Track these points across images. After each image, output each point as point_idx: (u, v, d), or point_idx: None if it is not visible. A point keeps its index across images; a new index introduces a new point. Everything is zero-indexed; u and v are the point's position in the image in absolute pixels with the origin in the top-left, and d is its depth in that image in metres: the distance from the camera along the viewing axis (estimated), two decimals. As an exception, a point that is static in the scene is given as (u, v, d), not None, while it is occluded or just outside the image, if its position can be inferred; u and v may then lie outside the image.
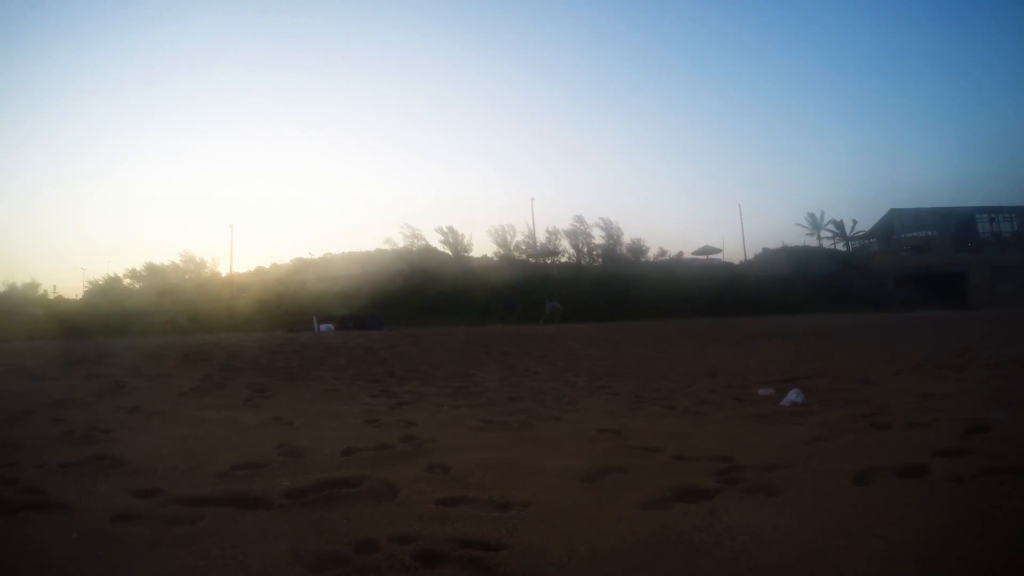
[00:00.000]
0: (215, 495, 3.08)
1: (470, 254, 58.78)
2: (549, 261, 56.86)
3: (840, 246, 64.18)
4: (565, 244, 60.84)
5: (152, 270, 54.63)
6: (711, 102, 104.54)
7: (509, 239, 60.14)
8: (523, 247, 60.21)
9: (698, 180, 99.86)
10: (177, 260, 57.03)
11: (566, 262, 58.24)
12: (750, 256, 59.76)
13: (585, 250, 61.11)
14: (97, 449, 4.12)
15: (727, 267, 54.58)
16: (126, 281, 54.36)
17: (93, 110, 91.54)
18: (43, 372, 8.60)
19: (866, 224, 63.64)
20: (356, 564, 2.25)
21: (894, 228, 57.88)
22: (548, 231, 60.54)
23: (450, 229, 59.34)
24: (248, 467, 3.66)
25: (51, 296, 47.69)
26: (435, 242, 59.29)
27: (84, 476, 3.49)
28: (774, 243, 60.97)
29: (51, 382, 7.72)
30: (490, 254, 59.51)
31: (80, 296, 50.71)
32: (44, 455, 3.97)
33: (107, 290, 49.89)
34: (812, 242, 63.80)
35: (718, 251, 58.61)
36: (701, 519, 2.57)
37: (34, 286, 49.84)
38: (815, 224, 65.25)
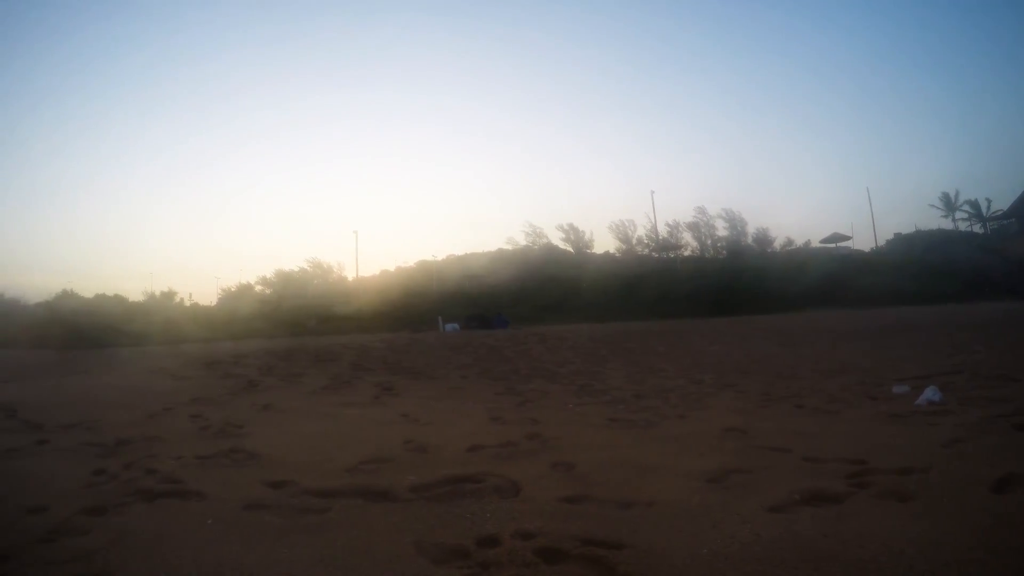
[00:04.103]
0: (343, 487, 3.31)
1: (592, 250, 58.57)
2: (672, 255, 55.46)
3: (977, 228, 57.68)
4: (687, 237, 59.26)
5: (281, 276, 58.93)
6: (831, 81, 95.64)
7: (630, 234, 59.31)
8: (645, 241, 59.23)
9: (823, 163, 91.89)
10: (305, 266, 61.12)
11: (689, 255, 56.61)
12: (881, 243, 55.20)
13: (709, 242, 59.16)
14: (231, 443, 4.54)
15: (857, 255, 50.56)
16: (257, 287, 59.11)
17: (219, 129, 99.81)
18: (182, 372, 9.55)
19: (1004, 203, 56.60)
20: (478, 558, 2.32)
21: (1035, 206, 50.98)
22: (669, 224, 58.97)
23: (571, 226, 59.45)
24: (375, 462, 3.89)
25: (187, 303, 52.65)
26: (556, 240, 59.59)
27: (219, 467, 3.86)
28: (906, 227, 56.20)
29: (189, 381, 8.58)
30: (612, 250, 59.03)
31: (214, 303, 55.74)
32: (182, 448, 4.41)
33: (239, 296, 54.36)
34: (947, 225, 57.82)
35: (847, 238, 54.32)
36: (829, 524, 2.51)
37: (171, 295, 55.21)
38: (949, 205, 58.80)
